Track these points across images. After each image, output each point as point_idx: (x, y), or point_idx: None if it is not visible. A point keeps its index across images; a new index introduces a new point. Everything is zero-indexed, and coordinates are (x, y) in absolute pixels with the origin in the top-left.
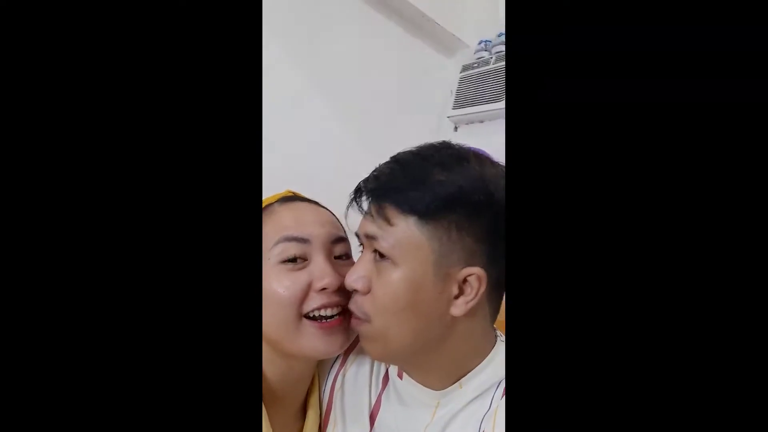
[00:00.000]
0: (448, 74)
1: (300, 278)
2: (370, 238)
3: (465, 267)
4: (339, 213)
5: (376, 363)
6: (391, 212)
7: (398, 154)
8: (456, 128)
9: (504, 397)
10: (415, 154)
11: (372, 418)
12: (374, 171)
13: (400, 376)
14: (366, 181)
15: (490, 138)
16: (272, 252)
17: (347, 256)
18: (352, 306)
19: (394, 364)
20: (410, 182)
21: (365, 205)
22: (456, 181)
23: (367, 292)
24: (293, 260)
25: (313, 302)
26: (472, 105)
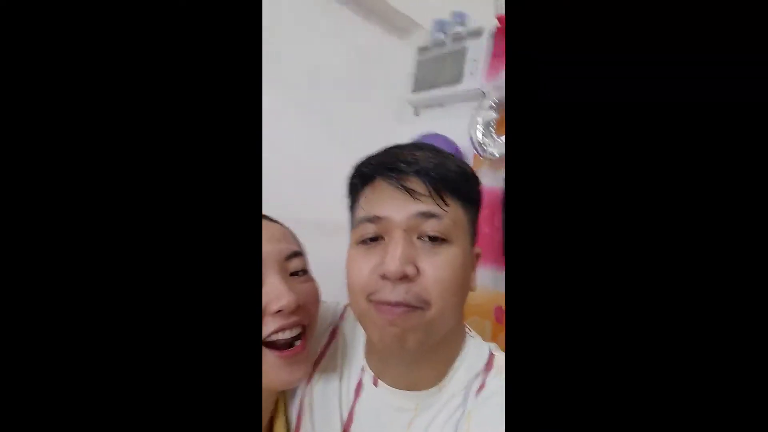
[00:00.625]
0: (404, 57)
1: None
2: (428, 216)
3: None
4: (294, 216)
5: (345, 375)
6: (445, 194)
7: (412, 144)
8: (417, 112)
9: (477, 396)
10: (427, 144)
11: None
12: (401, 152)
13: (375, 383)
14: (408, 162)
15: (451, 122)
16: None
17: (304, 271)
18: (405, 296)
19: (419, 352)
20: (454, 168)
21: (416, 185)
22: (471, 171)
23: (416, 277)
24: None
25: (269, 326)
26: (431, 88)
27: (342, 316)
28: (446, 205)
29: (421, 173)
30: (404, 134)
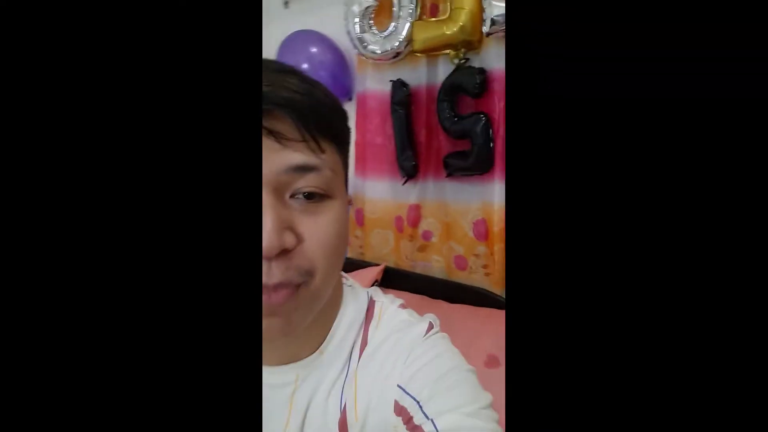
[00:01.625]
0: None
1: None
2: (304, 170)
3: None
4: None
5: None
6: (320, 137)
7: (264, 62)
8: (287, 4)
9: (362, 354)
10: (283, 64)
11: None
12: (273, 80)
13: None
14: (265, 94)
15: (326, 11)
16: None
17: None
18: (286, 274)
19: (301, 326)
20: (325, 100)
21: (283, 126)
22: (340, 103)
23: (295, 246)
24: None
25: None
26: None
27: None
28: (322, 151)
29: (288, 108)
30: (272, 32)
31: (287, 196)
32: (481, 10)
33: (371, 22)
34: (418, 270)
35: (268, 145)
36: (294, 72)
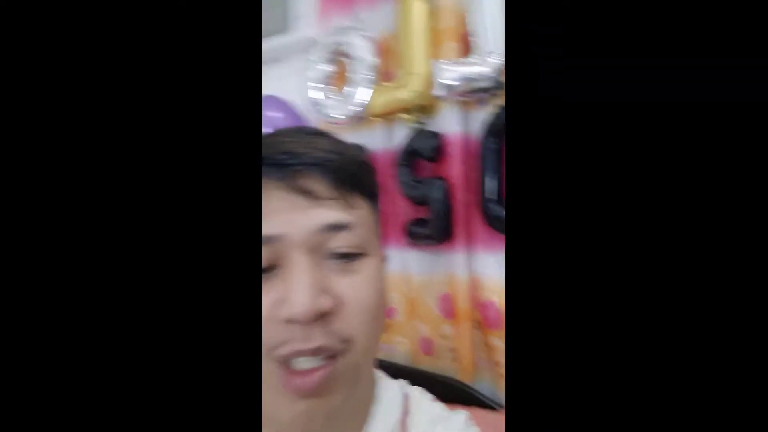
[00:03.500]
0: None
1: None
2: (337, 228)
3: None
4: None
5: None
6: (354, 195)
7: (293, 129)
8: None
9: None
10: (310, 127)
11: None
12: (282, 141)
13: None
14: (296, 153)
15: (287, 80)
16: None
17: None
18: (325, 340)
19: (342, 408)
20: (354, 156)
21: (315, 184)
22: (367, 157)
23: (333, 309)
24: None
25: None
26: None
27: None
28: (355, 208)
29: (320, 167)
30: None
31: (322, 256)
32: (433, 74)
33: (329, 86)
34: (380, 354)
35: (299, 204)
36: (323, 134)
